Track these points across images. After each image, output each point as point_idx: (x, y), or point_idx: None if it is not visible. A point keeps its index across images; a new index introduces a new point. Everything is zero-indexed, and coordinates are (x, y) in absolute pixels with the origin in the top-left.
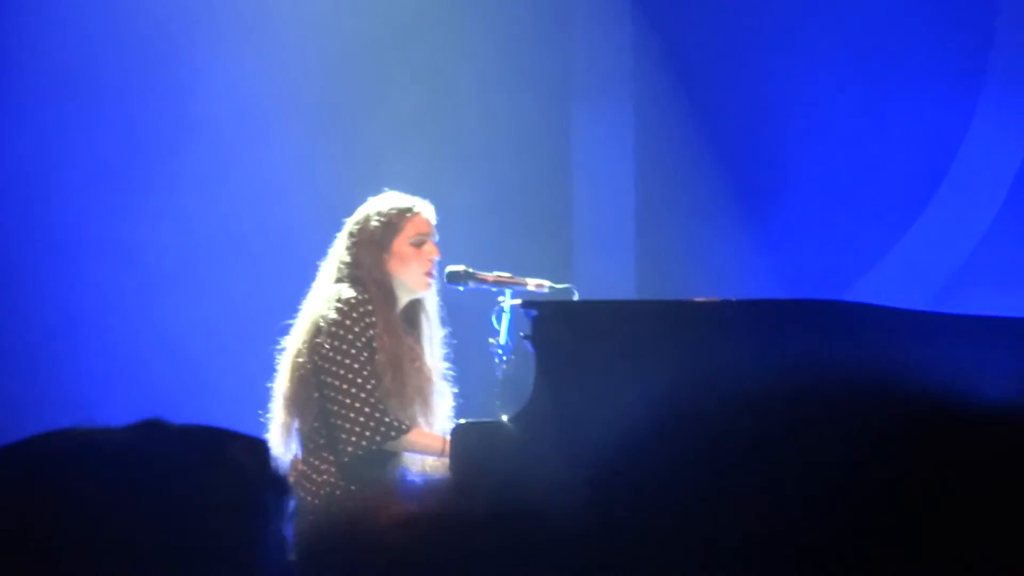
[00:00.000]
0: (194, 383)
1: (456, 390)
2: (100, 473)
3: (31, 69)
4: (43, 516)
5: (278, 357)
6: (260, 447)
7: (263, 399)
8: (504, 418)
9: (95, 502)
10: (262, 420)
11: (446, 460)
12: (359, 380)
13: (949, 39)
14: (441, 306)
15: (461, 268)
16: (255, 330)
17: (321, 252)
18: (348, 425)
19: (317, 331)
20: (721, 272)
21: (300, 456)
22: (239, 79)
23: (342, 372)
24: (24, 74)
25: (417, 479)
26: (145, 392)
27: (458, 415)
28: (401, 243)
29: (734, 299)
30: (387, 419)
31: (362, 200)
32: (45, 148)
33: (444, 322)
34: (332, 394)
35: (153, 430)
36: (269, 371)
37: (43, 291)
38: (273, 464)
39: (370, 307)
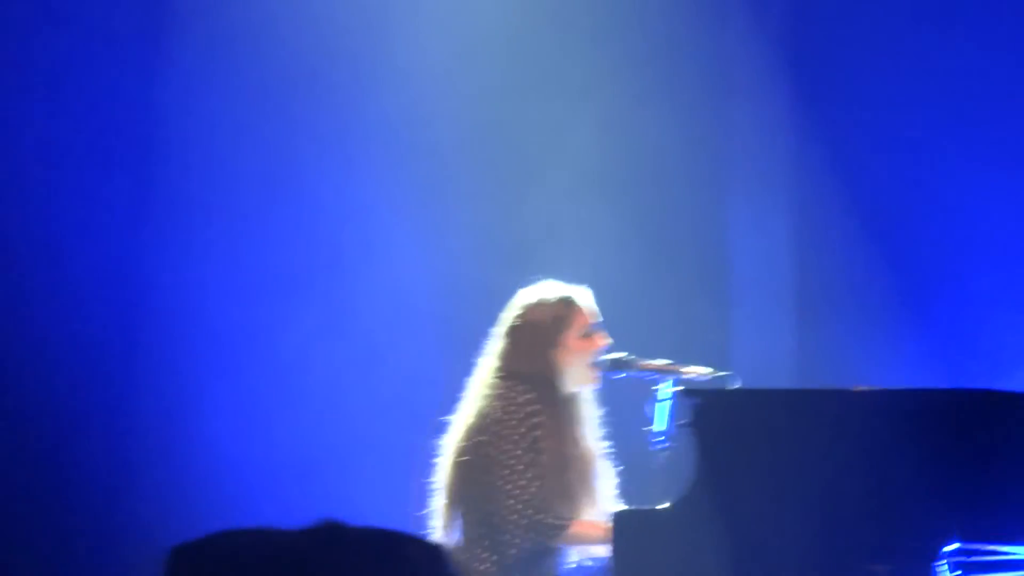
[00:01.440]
0: (344, 478)
1: (620, 467)
2: (283, 573)
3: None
4: None
5: (438, 453)
6: (437, 550)
7: (416, 494)
8: (666, 505)
9: None
10: (416, 515)
11: (606, 547)
12: (522, 482)
13: None
14: (598, 392)
15: (622, 355)
16: (409, 424)
17: (473, 349)
18: (511, 527)
19: (481, 429)
20: (880, 362)
21: (461, 546)
22: (379, 160)
23: (506, 473)
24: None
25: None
26: (293, 486)
27: (619, 496)
28: (571, 337)
29: (893, 388)
30: (548, 520)
31: (514, 291)
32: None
33: (600, 403)
34: (495, 495)
35: (331, 532)
36: (422, 465)
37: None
38: (448, 565)
39: (537, 406)
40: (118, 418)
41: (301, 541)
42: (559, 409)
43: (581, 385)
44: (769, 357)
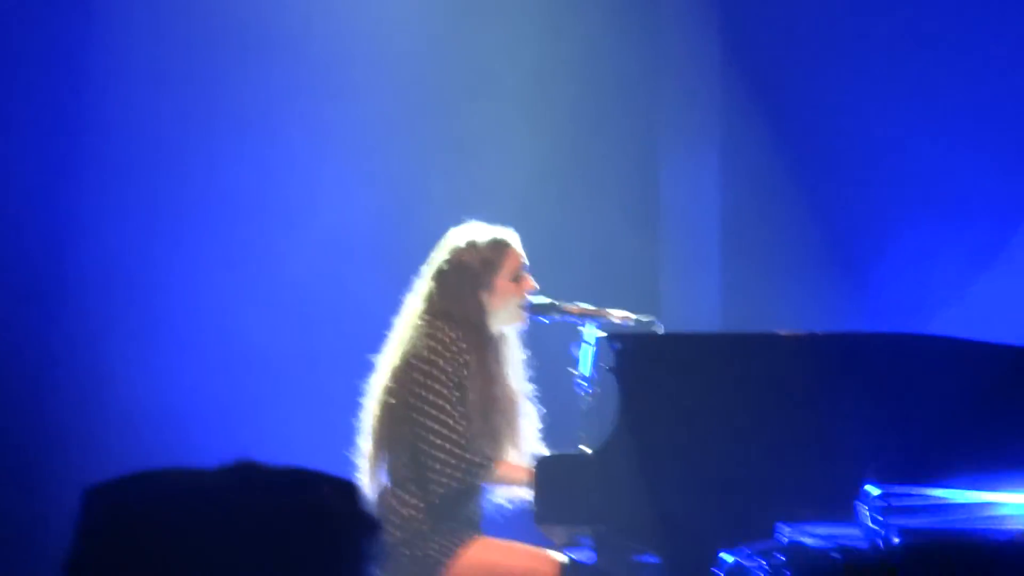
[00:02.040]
0: (274, 418)
1: (544, 410)
2: (193, 515)
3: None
4: (135, 555)
5: (365, 392)
6: (351, 489)
7: (344, 433)
8: (587, 450)
9: (186, 543)
10: (346, 454)
11: (529, 490)
12: (450, 422)
13: None
14: (523, 334)
15: (547, 300)
16: (335, 363)
17: (400, 284)
18: (437, 466)
19: (409, 369)
20: (805, 307)
21: (388, 488)
22: (308, 99)
23: (433, 412)
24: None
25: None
26: (224, 427)
27: (543, 439)
28: (501, 279)
29: (820, 332)
30: (475, 458)
31: (442, 232)
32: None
33: (524, 345)
34: (423, 433)
35: (245, 471)
36: (351, 405)
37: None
38: (364, 505)
39: (464, 346)
40: (48, 364)
41: (215, 481)
42: (486, 350)
43: (508, 327)
44: (696, 300)
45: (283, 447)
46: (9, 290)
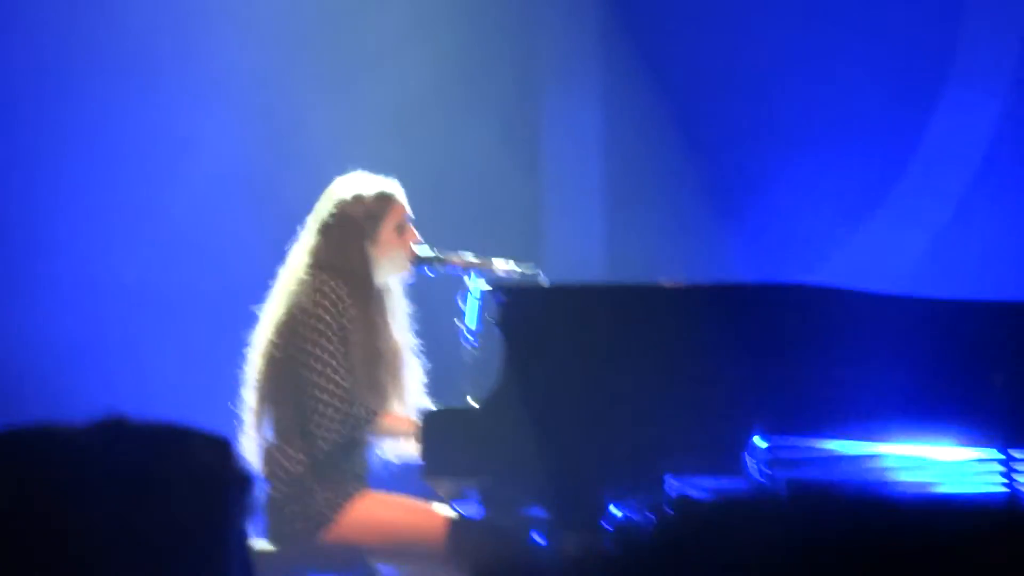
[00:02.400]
0: (158, 374)
1: (429, 364)
2: (61, 470)
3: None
4: (2, 511)
5: (248, 343)
6: (222, 443)
7: (229, 387)
8: (472, 403)
9: (55, 499)
10: (230, 407)
11: (413, 443)
12: (334, 376)
13: (914, 41)
14: (408, 287)
15: (431, 252)
16: (218, 317)
17: (286, 236)
18: (321, 419)
19: (293, 322)
20: (692, 257)
21: (272, 442)
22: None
23: (317, 365)
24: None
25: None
26: (109, 387)
27: (428, 392)
28: (385, 231)
29: (702, 283)
30: (360, 411)
31: (326, 183)
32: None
33: (410, 298)
34: (307, 387)
35: (114, 427)
36: (234, 357)
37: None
38: (236, 460)
39: (348, 300)
40: None
41: (83, 438)
42: (370, 302)
43: (392, 279)
44: (579, 247)
45: (164, 400)
46: None
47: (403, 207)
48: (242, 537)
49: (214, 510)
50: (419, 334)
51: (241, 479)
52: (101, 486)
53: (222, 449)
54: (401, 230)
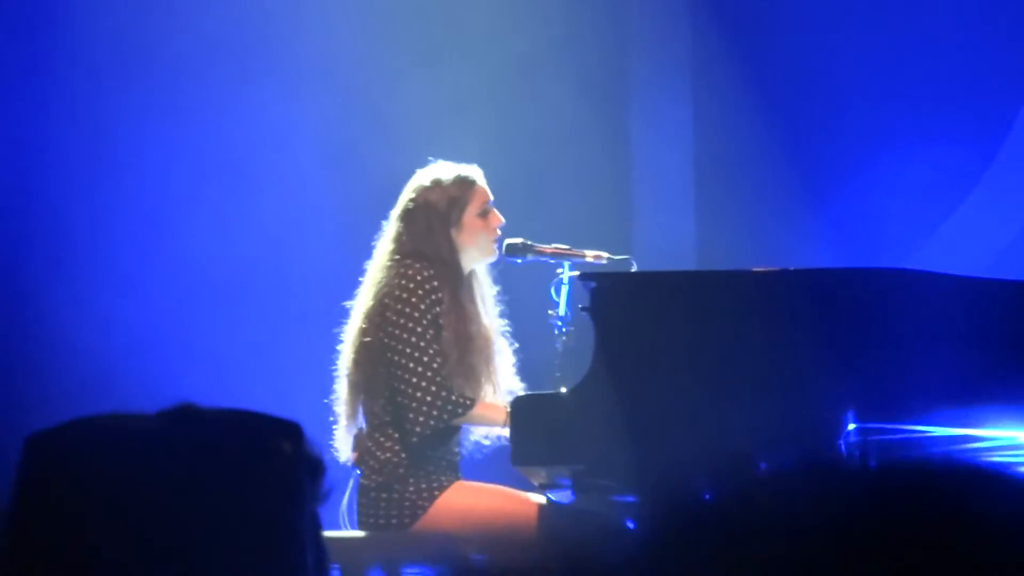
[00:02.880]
0: (254, 370)
1: (516, 345)
2: (133, 458)
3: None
4: (77, 501)
5: (340, 337)
6: (293, 428)
7: (324, 383)
8: (563, 390)
9: (128, 485)
10: (326, 402)
11: (507, 430)
12: (425, 359)
13: (996, 39)
14: (492, 266)
15: (520, 240)
16: (311, 313)
17: (372, 231)
18: (415, 405)
19: (383, 309)
20: (779, 245)
21: (365, 431)
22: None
23: (408, 351)
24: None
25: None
26: (202, 380)
27: (519, 376)
28: (469, 215)
29: (792, 268)
30: (453, 397)
31: (411, 173)
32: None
33: (496, 282)
34: (399, 373)
35: (184, 414)
36: (326, 353)
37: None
38: (307, 446)
39: (436, 283)
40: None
41: (155, 424)
42: (458, 288)
43: (479, 263)
44: (669, 241)
45: (258, 396)
46: None
47: (485, 191)
48: (314, 522)
49: (285, 495)
50: (511, 322)
51: (313, 464)
52: (172, 472)
53: (293, 434)
54: (485, 215)
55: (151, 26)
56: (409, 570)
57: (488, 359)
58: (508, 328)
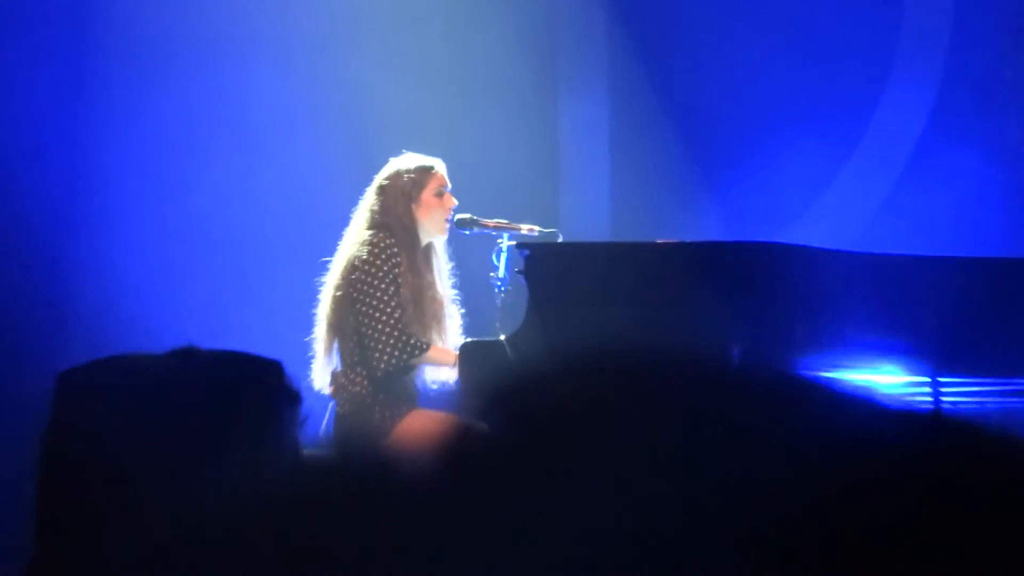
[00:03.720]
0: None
1: (463, 311)
2: (147, 389)
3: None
4: (101, 424)
5: (320, 289)
6: (276, 366)
7: (305, 325)
8: (502, 337)
9: (142, 414)
10: (306, 340)
11: (455, 370)
12: (388, 309)
13: (862, 37)
14: (448, 243)
15: (468, 216)
16: (301, 266)
17: (350, 203)
18: (380, 346)
19: (353, 268)
20: (679, 221)
21: (340, 370)
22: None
23: (374, 303)
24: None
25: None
26: (203, 325)
27: (465, 333)
28: (427, 194)
29: (687, 242)
30: (412, 340)
31: (383, 161)
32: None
33: (451, 257)
34: (366, 320)
35: (188, 355)
36: (308, 300)
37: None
38: (287, 379)
39: (396, 249)
40: (49, 268)
41: (164, 362)
42: (415, 253)
43: (434, 237)
44: (588, 216)
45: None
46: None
47: (443, 178)
48: (295, 443)
49: (270, 418)
50: (461, 282)
51: (292, 395)
52: (178, 400)
53: (276, 370)
54: (440, 196)
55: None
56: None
57: (440, 319)
58: (458, 296)
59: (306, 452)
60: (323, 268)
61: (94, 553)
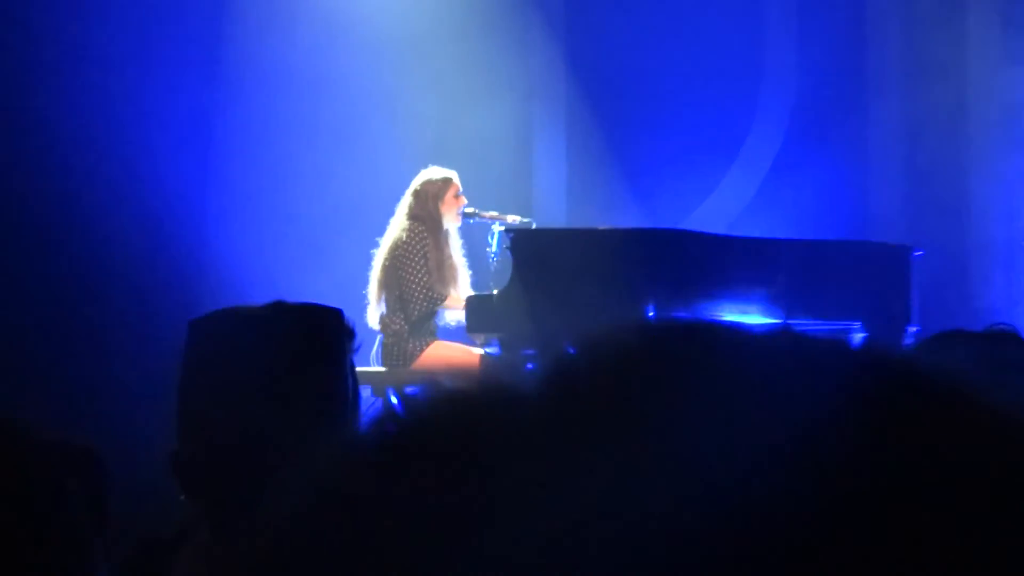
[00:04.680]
0: (323, 276)
1: (471, 273)
2: (254, 332)
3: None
4: (224, 361)
5: (372, 258)
6: (338, 313)
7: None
8: (495, 292)
9: (249, 352)
10: (362, 293)
11: (463, 314)
12: (418, 275)
13: (733, 51)
14: (460, 228)
15: (471, 209)
16: (360, 242)
17: (393, 199)
18: (413, 297)
19: (396, 246)
20: (617, 208)
21: (385, 313)
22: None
23: (410, 269)
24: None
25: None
26: (285, 279)
27: (473, 288)
28: (448, 196)
29: (619, 228)
30: (435, 294)
31: (413, 171)
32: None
33: (461, 236)
34: (404, 281)
35: (279, 307)
36: (365, 264)
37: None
38: (346, 321)
39: (425, 234)
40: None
41: (263, 312)
42: (438, 237)
43: (452, 225)
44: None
45: (325, 292)
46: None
47: (457, 184)
48: (352, 364)
49: (338, 349)
50: (467, 255)
51: (349, 331)
52: (274, 338)
53: (338, 315)
54: (457, 197)
55: None
56: (409, 388)
57: (455, 279)
58: (467, 263)
59: (361, 369)
60: (375, 244)
61: (221, 446)
